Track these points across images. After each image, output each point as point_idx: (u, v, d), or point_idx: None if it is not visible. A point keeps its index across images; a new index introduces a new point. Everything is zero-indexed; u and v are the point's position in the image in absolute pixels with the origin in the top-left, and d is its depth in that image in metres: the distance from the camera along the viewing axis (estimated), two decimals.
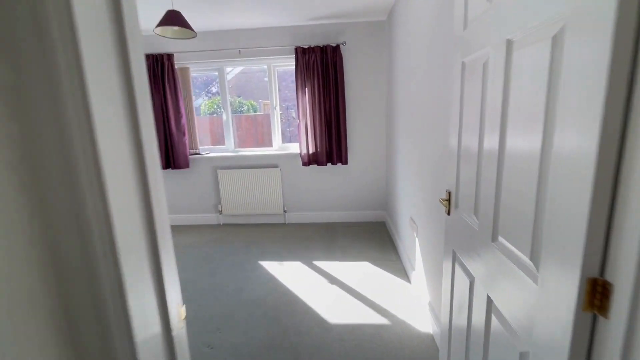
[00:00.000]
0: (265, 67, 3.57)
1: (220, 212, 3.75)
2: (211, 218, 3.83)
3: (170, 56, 3.35)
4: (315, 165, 3.59)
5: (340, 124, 3.38)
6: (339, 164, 3.57)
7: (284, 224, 3.71)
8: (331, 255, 2.85)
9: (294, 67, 3.36)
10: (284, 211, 3.70)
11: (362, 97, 3.44)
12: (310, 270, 2.60)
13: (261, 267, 2.68)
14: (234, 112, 3.91)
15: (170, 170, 3.76)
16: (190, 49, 3.40)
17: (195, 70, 3.62)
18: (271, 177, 3.60)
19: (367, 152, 3.56)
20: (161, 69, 3.36)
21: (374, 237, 3.23)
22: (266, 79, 3.58)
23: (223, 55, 3.44)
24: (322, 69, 3.28)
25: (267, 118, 3.81)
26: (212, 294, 2.30)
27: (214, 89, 4.03)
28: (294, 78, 3.40)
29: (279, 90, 3.71)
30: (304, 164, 3.49)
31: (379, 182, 3.61)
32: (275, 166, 3.65)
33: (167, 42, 3.41)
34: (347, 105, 3.45)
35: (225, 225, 3.78)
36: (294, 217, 3.75)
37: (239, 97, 4.11)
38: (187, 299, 2.21)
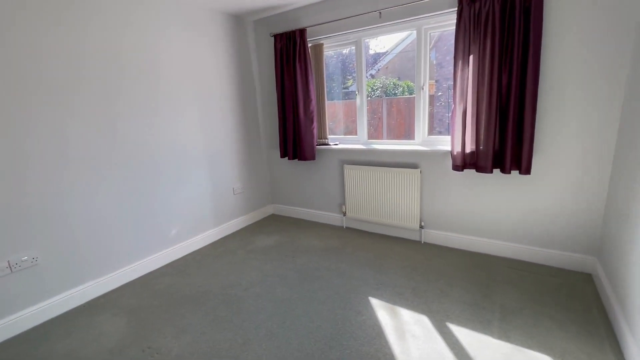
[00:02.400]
0: (414, 32, 2.65)
1: (344, 214, 3.22)
2: (335, 218, 3.36)
3: (302, 32, 2.94)
4: (473, 171, 2.47)
5: (525, 110, 2.12)
6: (515, 172, 2.32)
7: (417, 243, 2.82)
8: (480, 317, 1.82)
9: (454, 27, 2.30)
10: (421, 226, 2.79)
11: (575, 66, 2.02)
12: (438, 339, 1.69)
13: (370, 308, 1.96)
14: (386, 95, 3.21)
15: (296, 161, 3.49)
16: (323, 21, 2.88)
17: (330, 47, 3.10)
18: (408, 180, 2.74)
19: (569, 158, 2.14)
20: (293, 48, 3.01)
21: (568, 301, 1.91)
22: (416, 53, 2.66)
23: (360, 22, 2.75)
24: (500, 23, 2.09)
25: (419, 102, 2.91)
26: (293, 331, 1.79)
27: (373, 71, 3.40)
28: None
29: (440, 66, 2.73)
30: (456, 167, 2.44)
31: (590, 208, 2.13)
32: (415, 166, 2.75)
33: (300, 16, 3.01)
34: (542, 81, 2.12)
35: (348, 229, 3.23)
36: (432, 237, 2.79)
37: (397, 78, 3.34)
38: (263, 328, 1.80)
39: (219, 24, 3.01)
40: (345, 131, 3.39)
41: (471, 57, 2.23)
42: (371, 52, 3.16)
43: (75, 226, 2.13)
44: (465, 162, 2.41)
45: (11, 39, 1.79)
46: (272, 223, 3.55)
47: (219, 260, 2.72)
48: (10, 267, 1.87)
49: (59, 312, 2.07)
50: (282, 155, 3.37)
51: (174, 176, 2.72)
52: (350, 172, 3.04)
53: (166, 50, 2.58)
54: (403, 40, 3.20)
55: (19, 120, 1.85)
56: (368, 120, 3.10)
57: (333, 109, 3.40)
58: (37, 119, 1.91)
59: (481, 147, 2.32)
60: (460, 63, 2.29)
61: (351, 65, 3.16)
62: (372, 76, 3.33)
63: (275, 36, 3.11)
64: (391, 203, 2.86)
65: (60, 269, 2.08)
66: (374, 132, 3.23)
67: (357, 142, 3.15)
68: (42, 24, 1.90)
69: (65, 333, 1.89)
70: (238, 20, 3.21)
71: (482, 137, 2.30)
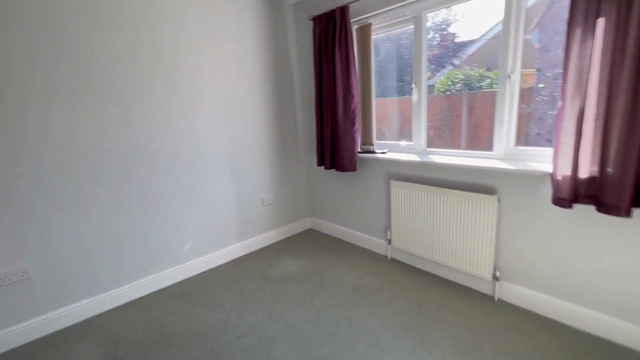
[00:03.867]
0: None
1: (389, 242, 2.52)
2: (378, 245, 2.68)
3: (343, 10, 2.32)
4: (592, 208, 1.54)
5: None
6: None
7: (488, 300, 1.97)
8: None
9: None
10: (494, 277, 1.94)
11: None
12: None
13: None
14: (469, 89, 2.38)
15: (334, 171, 2.90)
16: None
17: (381, 27, 2.41)
18: (479, 209, 1.92)
19: None
20: (332, 31, 2.41)
21: None
22: (529, 36, 1.81)
23: None
24: None
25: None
26: None
27: (457, 60, 2.56)
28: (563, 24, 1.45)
29: (544, 50, 1.85)
30: (559, 201, 1.55)
31: None
32: (491, 191, 1.92)
33: None
34: None
35: (392, 262, 2.52)
36: (511, 294, 1.91)
37: (485, 68, 2.45)
38: None
39: (249, 8, 2.59)
40: (399, 135, 2.66)
41: (601, 21, 1.33)
42: (457, 40, 2.34)
43: (73, 239, 1.94)
44: (578, 194, 1.51)
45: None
46: (306, 241, 3.03)
47: (229, 285, 2.32)
48: (2, 280, 1.74)
49: (47, 331, 1.91)
50: (319, 164, 2.82)
51: (191, 183, 2.41)
52: (398, 190, 2.32)
53: (185, 39, 2.25)
54: (497, 24, 2.31)
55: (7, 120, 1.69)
56: (430, 123, 2.33)
57: (385, 107, 2.70)
58: (31, 119, 1.74)
59: (610, 171, 1.41)
60: (578, 34, 1.40)
61: (408, 57, 2.41)
62: (455, 66, 2.49)
63: (315, 19, 2.55)
64: (452, 238, 2.07)
65: (54, 284, 1.91)
66: (446, 137, 2.41)
67: (411, 151, 2.41)
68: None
69: None
70: (274, 4, 2.75)
71: (612, 154, 1.39)
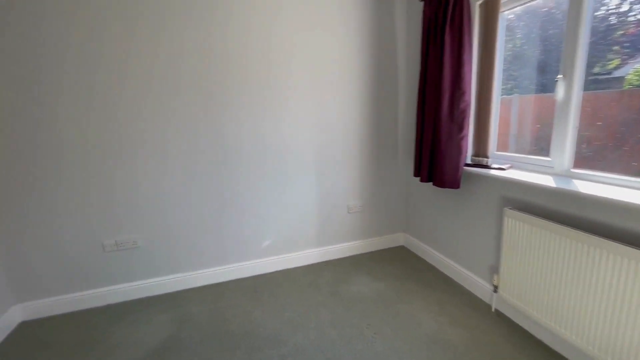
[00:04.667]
0: None
1: (495, 289, 1.87)
2: (480, 287, 2.05)
3: None
4: None
5: None
6: None
7: None
8: None
9: None
10: None
11: None
12: None
13: None
14: None
15: (431, 185, 2.37)
16: None
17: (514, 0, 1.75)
18: None
19: None
20: (444, 11, 1.91)
21: None
22: None
23: None
24: None
25: None
26: None
27: None
28: None
29: None
30: None
31: None
32: None
33: None
34: None
35: (498, 318, 1.87)
36: None
37: None
38: None
39: None
40: (531, 147, 1.92)
41: None
42: None
43: (172, 219, 2.20)
44: None
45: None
46: (392, 260, 2.63)
47: (296, 292, 2.20)
48: (117, 245, 2.13)
49: (139, 295, 2.23)
50: (415, 173, 2.36)
51: (276, 181, 2.39)
52: (514, 224, 1.67)
53: (277, 27, 2.20)
54: None
55: (125, 116, 2.00)
56: (586, 132, 1.56)
57: (520, 107, 1.99)
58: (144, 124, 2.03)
59: None
60: None
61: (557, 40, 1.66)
62: None
63: None
64: (602, 316, 1.32)
65: (154, 257, 2.22)
66: (611, 156, 1.59)
67: (545, 171, 1.69)
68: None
69: (127, 322, 1.97)
70: None
71: None
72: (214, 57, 2.09)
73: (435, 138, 2.09)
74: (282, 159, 2.38)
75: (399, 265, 2.54)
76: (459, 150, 1.96)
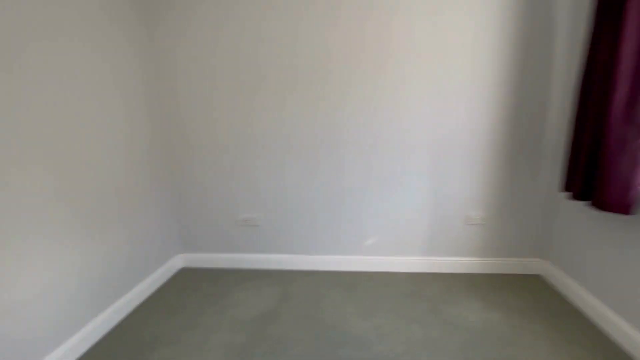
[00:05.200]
0: None
1: None
2: None
3: None
4: None
5: None
6: None
7: None
8: None
9: None
10: None
11: None
12: None
13: None
14: None
15: (587, 204, 1.77)
16: None
17: None
18: None
19: None
20: None
21: None
22: None
23: None
24: None
25: None
26: None
27: None
28: None
29: None
30: None
31: None
32: None
33: None
34: None
35: None
36: None
37: None
38: None
39: None
40: None
41: None
42: None
43: (290, 205, 2.47)
44: None
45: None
46: (519, 289, 2.15)
47: (392, 300, 2.10)
48: (244, 221, 2.56)
49: (257, 266, 2.59)
50: (564, 188, 1.83)
51: (386, 178, 2.32)
52: None
53: (397, 21, 2.09)
54: None
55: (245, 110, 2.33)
56: None
57: None
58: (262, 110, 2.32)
59: None
60: None
61: None
62: None
63: None
64: None
65: (271, 236, 2.55)
66: None
67: None
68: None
69: (245, 287, 2.34)
70: None
71: None
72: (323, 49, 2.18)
73: (598, 143, 1.56)
74: (395, 156, 2.28)
75: (526, 296, 2.06)
76: (634, 161, 1.40)
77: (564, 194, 2.06)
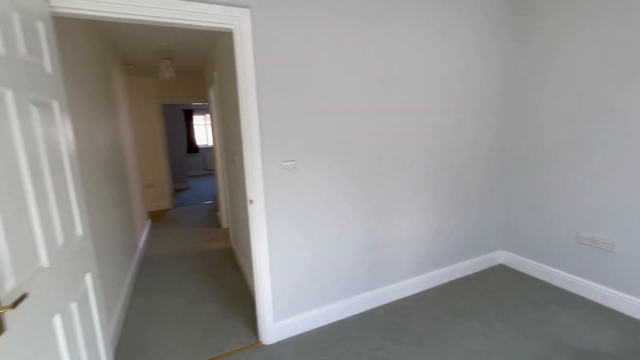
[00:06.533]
0: None
1: None
2: None
3: None
4: None
5: None
6: None
7: None
8: None
9: None
10: None
11: None
12: None
13: None
14: None
15: None
16: None
17: None
18: None
19: None
20: None
21: None
22: None
23: None
24: None
25: None
26: None
27: None
28: None
29: None
30: None
31: None
32: None
33: None
34: None
35: None
36: None
37: None
38: None
39: None
40: None
41: None
42: None
43: None
44: None
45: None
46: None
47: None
48: (591, 241, 2.15)
49: (604, 302, 2.08)
50: None
51: None
52: None
53: None
54: None
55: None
56: None
57: None
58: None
59: None
60: None
61: None
62: None
63: None
64: None
65: (631, 267, 1.97)
66: None
67: None
68: None
69: (573, 316, 2.00)
70: None
71: None
72: None
73: None
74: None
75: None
76: None
77: None
